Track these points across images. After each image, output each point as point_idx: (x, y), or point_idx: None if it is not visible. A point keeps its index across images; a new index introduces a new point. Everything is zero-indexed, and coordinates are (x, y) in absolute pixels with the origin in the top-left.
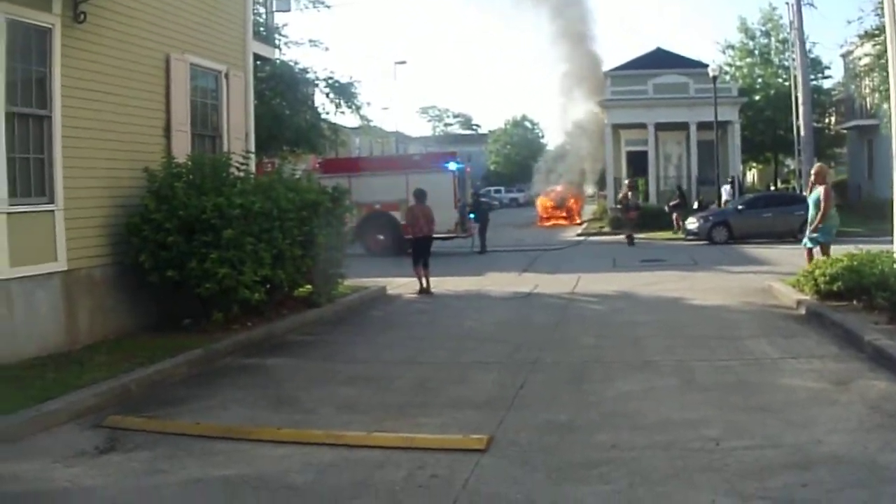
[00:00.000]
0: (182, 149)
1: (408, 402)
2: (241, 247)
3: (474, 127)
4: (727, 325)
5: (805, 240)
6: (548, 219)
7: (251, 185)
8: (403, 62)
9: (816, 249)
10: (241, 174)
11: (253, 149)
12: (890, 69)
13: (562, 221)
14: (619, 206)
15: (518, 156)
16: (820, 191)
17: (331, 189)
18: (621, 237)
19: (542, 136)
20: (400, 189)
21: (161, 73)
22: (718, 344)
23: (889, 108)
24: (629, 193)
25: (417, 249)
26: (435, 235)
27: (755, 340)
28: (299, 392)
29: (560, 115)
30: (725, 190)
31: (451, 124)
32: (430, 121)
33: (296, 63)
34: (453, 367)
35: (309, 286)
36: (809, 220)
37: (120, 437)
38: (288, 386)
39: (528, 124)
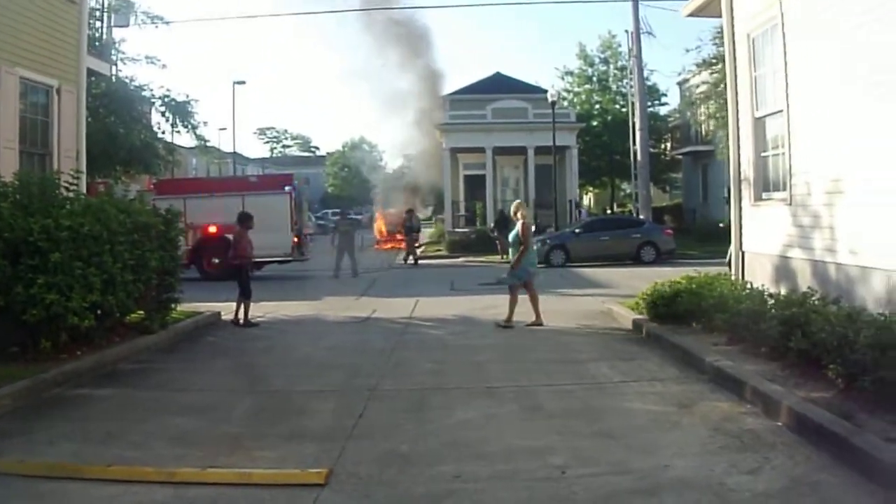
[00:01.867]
0: (9, 167)
1: (243, 434)
2: (70, 271)
3: (312, 149)
4: (568, 349)
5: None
6: (386, 242)
7: (81, 206)
8: (242, 82)
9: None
10: (72, 194)
11: (84, 168)
12: (728, 94)
13: (399, 245)
14: (402, 230)
15: (356, 178)
16: (518, 227)
17: (164, 211)
18: (458, 259)
19: (381, 159)
20: (236, 211)
21: None
22: (559, 368)
23: (727, 133)
24: (411, 217)
25: (237, 279)
26: (267, 259)
27: (596, 364)
28: (131, 424)
29: (397, 139)
30: (583, 212)
31: (289, 146)
32: (267, 142)
33: (131, 80)
34: (290, 395)
35: (141, 312)
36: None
37: None
38: (119, 418)
39: (366, 147)
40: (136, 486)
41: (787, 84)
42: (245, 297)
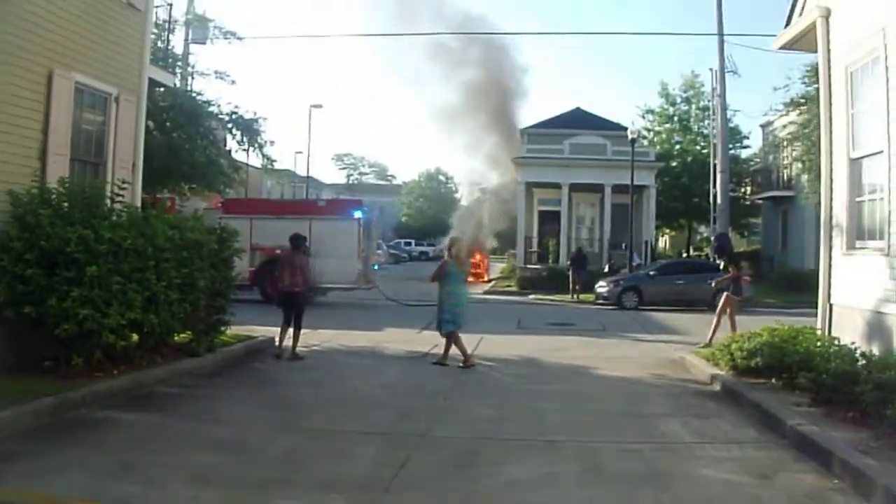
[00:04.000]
0: (59, 175)
1: (270, 478)
2: (108, 286)
3: (389, 177)
4: (637, 401)
5: None
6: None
7: (126, 218)
8: (319, 106)
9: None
10: (118, 205)
11: (140, 180)
12: (822, 134)
13: (469, 278)
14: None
15: (430, 209)
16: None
17: (218, 229)
18: (528, 296)
19: (456, 191)
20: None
21: (42, 89)
22: (627, 422)
23: (813, 177)
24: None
25: (283, 306)
26: (336, 286)
27: (667, 420)
28: (151, 456)
29: (471, 173)
30: (635, 257)
31: (365, 173)
32: (343, 168)
33: (199, 94)
34: (331, 435)
35: (189, 333)
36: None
37: None
38: (141, 447)
39: (441, 178)
40: None
41: (888, 122)
42: (297, 328)
